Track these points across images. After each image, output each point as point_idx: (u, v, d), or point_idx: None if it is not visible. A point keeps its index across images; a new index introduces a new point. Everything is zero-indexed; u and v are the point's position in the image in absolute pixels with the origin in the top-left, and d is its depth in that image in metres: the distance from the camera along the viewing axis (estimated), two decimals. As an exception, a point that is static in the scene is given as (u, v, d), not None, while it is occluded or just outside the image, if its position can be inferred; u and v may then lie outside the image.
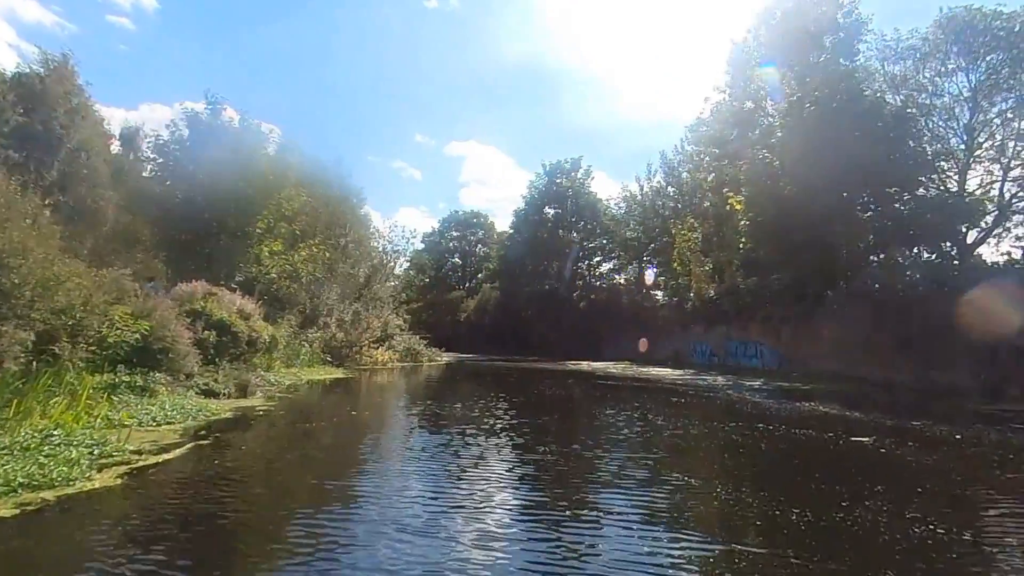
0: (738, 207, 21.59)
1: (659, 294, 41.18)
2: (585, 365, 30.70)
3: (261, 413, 9.50)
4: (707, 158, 34.26)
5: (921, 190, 18.06)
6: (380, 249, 35.51)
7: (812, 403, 12.16)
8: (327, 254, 25.81)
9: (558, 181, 52.94)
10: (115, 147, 29.46)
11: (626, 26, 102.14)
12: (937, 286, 15.69)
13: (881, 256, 17.31)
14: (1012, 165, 25.40)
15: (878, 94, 19.31)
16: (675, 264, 33.76)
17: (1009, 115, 25.29)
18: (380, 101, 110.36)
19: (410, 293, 79.88)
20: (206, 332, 13.31)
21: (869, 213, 17.95)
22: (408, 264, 77.08)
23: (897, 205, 17.71)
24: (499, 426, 8.71)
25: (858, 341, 17.92)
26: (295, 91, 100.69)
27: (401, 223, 51.02)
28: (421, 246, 79.53)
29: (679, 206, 43.15)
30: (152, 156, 21.67)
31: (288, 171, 24.33)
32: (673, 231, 35.45)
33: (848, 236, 18.20)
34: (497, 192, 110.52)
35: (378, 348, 27.64)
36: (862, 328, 17.61)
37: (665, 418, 9.78)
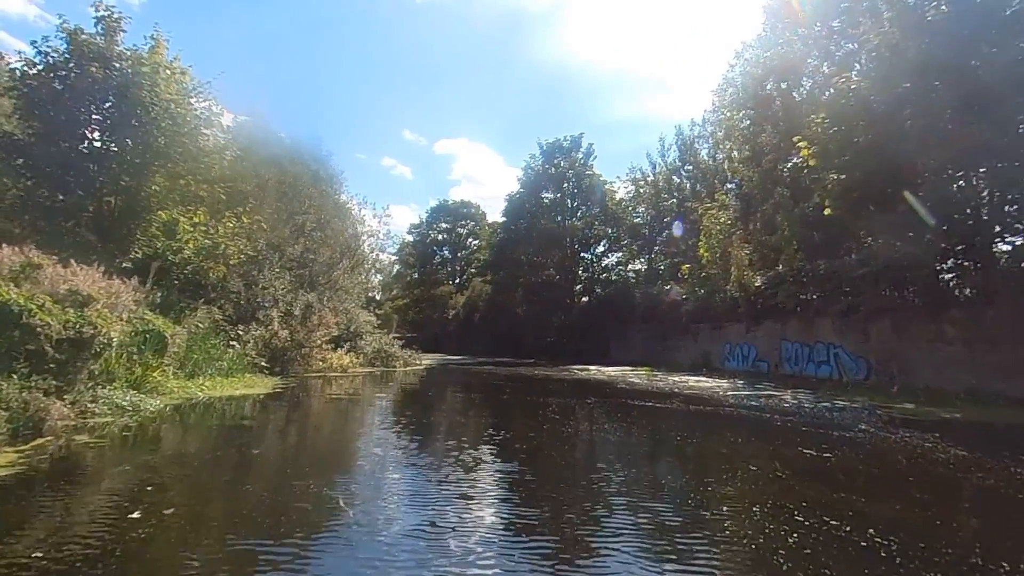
0: (813, 162, 15.97)
1: (670, 287, 35.41)
2: (595, 371, 25.02)
3: None
4: (743, 123, 28.58)
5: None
6: (349, 232, 29.54)
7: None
8: (264, 227, 19.91)
9: (556, 162, 47.17)
10: None
11: (621, 23, 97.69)
12: None
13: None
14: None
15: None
16: (702, 250, 28.07)
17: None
18: (367, 97, 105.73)
19: (398, 290, 74.32)
20: (-40, 326, 7.51)
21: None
22: (395, 258, 71.62)
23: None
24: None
25: (1014, 343, 12.36)
26: (281, 85, 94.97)
27: (375, 203, 45.41)
28: (409, 238, 73.95)
29: (698, 187, 37.58)
30: (13, 85, 15.63)
31: (214, 117, 18.44)
32: (700, 211, 29.75)
33: (995, 188, 12.68)
34: (488, 190, 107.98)
35: (336, 350, 21.82)
36: (1019, 323, 12.12)
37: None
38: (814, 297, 19.00)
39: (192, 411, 10.19)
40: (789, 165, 28.49)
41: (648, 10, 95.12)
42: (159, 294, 14.80)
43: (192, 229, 17.52)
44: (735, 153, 31.56)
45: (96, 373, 10.18)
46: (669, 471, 6.04)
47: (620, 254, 45.67)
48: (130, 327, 11.46)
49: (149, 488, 4.83)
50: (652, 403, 12.42)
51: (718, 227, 27.82)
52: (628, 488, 5.15)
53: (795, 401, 12.95)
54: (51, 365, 8.49)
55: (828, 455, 6.78)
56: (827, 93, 24.51)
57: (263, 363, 17.83)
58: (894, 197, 13.71)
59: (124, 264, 15.36)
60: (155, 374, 11.78)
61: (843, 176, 14.78)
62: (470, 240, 73.23)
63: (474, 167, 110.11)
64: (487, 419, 10.10)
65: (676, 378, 20.50)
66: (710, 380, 19.64)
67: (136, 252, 16.15)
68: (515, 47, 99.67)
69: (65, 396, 8.56)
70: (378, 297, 67.20)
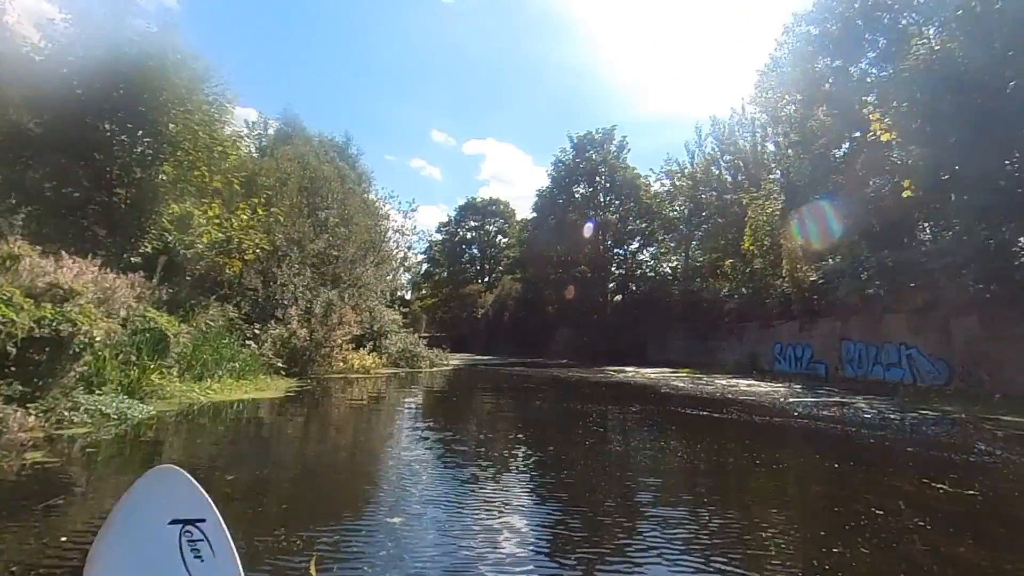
0: (885, 137, 14.08)
1: (707, 284, 33.46)
2: (632, 373, 23.40)
3: None
4: (790, 106, 26.54)
5: None
6: (373, 227, 28.45)
7: None
8: (280, 219, 18.88)
9: (588, 155, 45.43)
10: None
11: (648, 22, 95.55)
12: None
13: None
14: None
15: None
16: (747, 244, 26.13)
17: None
18: (396, 99, 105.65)
19: (427, 289, 73.56)
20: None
21: None
22: (424, 256, 70.87)
23: None
24: None
25: None
26: (311, 88, 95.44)
27: (399, 198, 44.52)
28: (438, 236, 73.05)
29: (739, 177, 35.48)
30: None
31: (228, 103, 17.44)
32: (745, 201, 27.79)
33: None
34: (517, 190, 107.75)
35: (358, 350, 20.71)
36: None
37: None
38: (881, 292, 17.03)
39: (185, 419, 9.06)
40: (843, 149, 26.37)
41: (675, 8, 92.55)
42: (166, 290, 13.85)
43: (206, 223, 16.61)
44: (781, 139, 29.48)
45: (85, 376, 9.18)
46: (767, 521, 4.51)
47: (654, 249, 43.71)
48: (125, 326, 10.46)
49: (63, 538, 3.56)
50: (707, 412, 10.83)
51: (764, 218, 25.85)
52: (723, 554, 3.65)
53: (875, 411, 11.18)
54: (18, 368, 7.42)
55: (970, 492, 5.15)
56: (888, 70, 22.49)
57: (280, 364, 16.81)
58: (991, 174, 11.80)
59: (132, 259, 14.49)
60: (154, 377, 10.72)
61: (927, 149, 12.87)
62: (499, 238, 71.99)
63: (502, 167, 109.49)
64: (519, 434, 8.68)
65: (724, 381, 18.76)
66: (763, 384, 17.86)
67: (146, 247, 15.22)
68: (542, 46, 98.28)
69: (35, 403, 7.52)
70: (408, 296, 66.58)
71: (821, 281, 19.50)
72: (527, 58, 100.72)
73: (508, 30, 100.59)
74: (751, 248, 25.89)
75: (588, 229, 42.86)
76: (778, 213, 25.62)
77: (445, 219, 74.72)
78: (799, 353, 21.17)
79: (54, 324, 7.95)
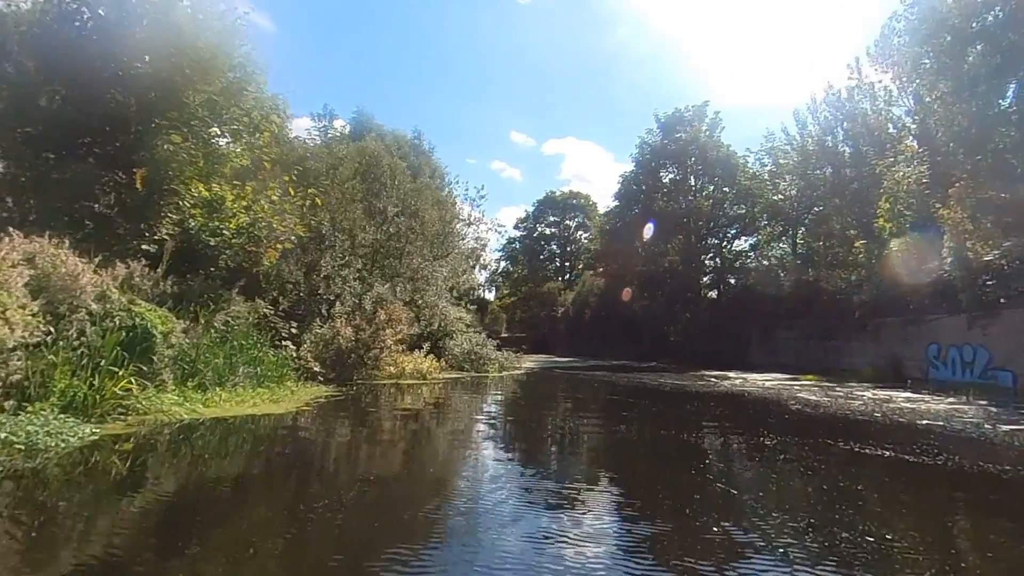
0: None
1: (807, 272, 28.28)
2: (739, 380, 19.26)
3: None
4: (929, 58, 21.31)
5: None
6: (437, 216, 25.84)
7: None
8: (319, 202, 16.48)
9: (677, 136, 40.82)
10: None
11: (726, 15, 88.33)
12: None
13: None
14: None
15: None
16: (883, 221, 21.14)
17: None
18: (474, 101, 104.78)
19: (506, 287, 71.15)
20: None
21: None
22: (501, 254, 68.57)
23: None
24: None
25: None
26: (388, 94, 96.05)
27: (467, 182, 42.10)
28: (516, 233, 70.44)
29: (862, 146, 29.92)
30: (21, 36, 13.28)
31: (256, 71, 15.25)
32: (879, 170, 22.72)
33: None
34: (598, 187, 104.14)
35: (412, 352, 18.02)
36: None
37: None
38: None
39: (126, 451, 6.47)
40: (1009, 97, 20.83)
41: (755, 6, 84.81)
42: (172, 281, 11.67)
43: (233, 205, 14.48)
44: (923, 94, 24.01)
45: (20, 387, 6.93)
46: None
47: (755, 238, 38.43)
48: (95, 322, 8.22)
49: None
50: (891, 452, 6.99)
51: (906, 188, 20.76)
52: None
53: None
54: None
55: None
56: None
57: (317, 368, 14.43)
58: None
59: (144, 245, 12.50)
60: (121, 386, 8.28)
61: None
62: (579, 233, 68.36)
63: (583, 165, 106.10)
64: (594, 499, 5.30)
65: (868, 394, 14.34)
66: (926, 397, 13.35)
67: (162, 232, 13.16)
68: (620, 41, 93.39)
69: None
70: (488, 296, 64.52)
71: (1004, 262, 14.57)
72: (605, 54, 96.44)
73: (584, 27, 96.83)
74: (887, 226, 20.89)
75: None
76: (926, 180, 20.50)
77: (523, 214, 72.01)
78: (968, 356, 16.17)
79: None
